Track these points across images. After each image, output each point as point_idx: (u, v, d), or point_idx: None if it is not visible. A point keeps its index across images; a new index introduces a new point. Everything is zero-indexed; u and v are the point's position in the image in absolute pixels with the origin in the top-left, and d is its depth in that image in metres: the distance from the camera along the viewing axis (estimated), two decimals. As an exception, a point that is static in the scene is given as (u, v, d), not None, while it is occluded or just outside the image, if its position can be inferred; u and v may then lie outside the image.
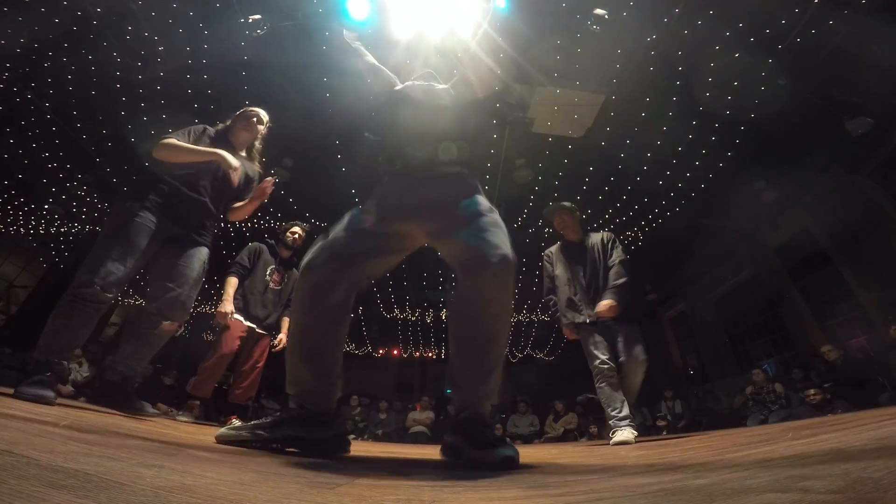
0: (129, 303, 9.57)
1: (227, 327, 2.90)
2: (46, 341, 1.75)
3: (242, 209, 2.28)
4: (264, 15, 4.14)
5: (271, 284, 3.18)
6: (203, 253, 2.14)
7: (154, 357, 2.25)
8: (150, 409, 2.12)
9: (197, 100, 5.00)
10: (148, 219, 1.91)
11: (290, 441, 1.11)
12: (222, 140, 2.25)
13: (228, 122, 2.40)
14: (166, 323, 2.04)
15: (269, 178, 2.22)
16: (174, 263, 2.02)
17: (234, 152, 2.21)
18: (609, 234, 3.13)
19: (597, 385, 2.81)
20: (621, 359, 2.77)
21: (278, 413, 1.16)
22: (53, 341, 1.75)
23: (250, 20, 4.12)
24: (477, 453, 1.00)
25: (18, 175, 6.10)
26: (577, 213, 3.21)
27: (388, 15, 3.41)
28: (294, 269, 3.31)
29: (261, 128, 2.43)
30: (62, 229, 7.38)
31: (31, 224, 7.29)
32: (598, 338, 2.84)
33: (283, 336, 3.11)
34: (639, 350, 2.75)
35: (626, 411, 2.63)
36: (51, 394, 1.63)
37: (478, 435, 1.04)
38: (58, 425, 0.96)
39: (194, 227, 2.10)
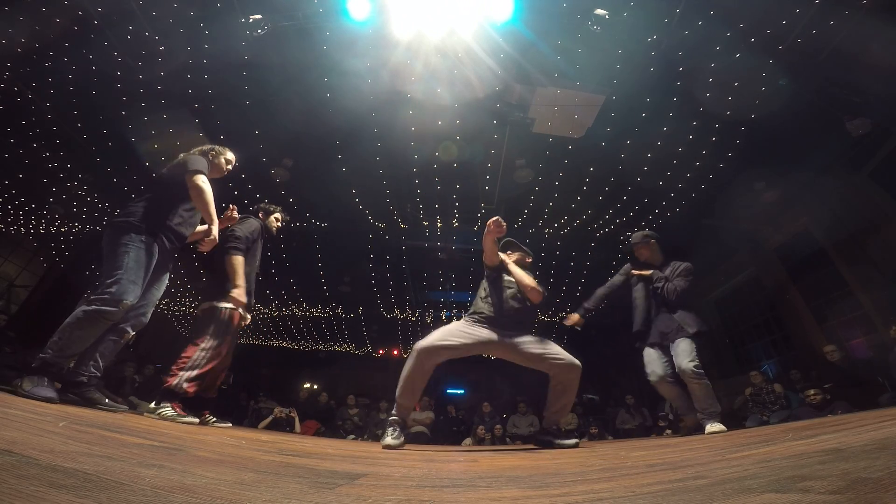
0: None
1: (231, 322, 2.70)
2: (61, 346, 1.91)
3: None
4: (264, 15, 4.14)
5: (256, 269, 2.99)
6: (167, 279, 2.54)
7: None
8: (119, 406, 2.37)
9: (197, 100, 5.00)
10: (157, 253, 2.27)
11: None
12: None
13: (199, 153, 2.63)
14: (131, 334, 2.37)
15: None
16: (149, 287, 2.35)
17: None
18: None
19: None
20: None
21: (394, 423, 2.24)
22: (68, 348, 1.94)
23: (250, 20, 4.12)
24: (560, 442, 2.26)
25: (18, 175, 6.10)
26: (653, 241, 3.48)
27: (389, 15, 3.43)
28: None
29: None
30: (62, 229, 7.38)
31: (32, 224, 7.29)
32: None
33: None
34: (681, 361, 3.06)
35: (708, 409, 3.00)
36: (55, 394, 1.83)
37: (558, 433, 2.39)
38: (57, 425, 0.96)
39: (165, 257, 2.42)
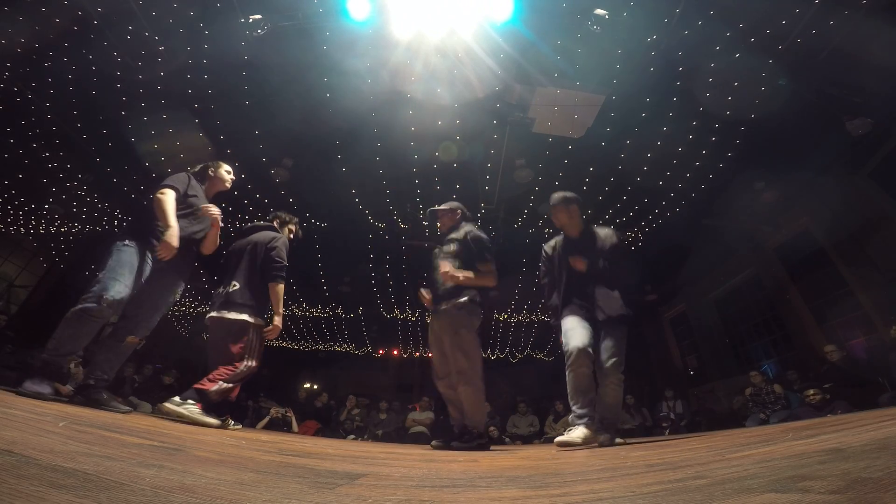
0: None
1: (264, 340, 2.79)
2: (55, 346, 2.07)
3: (210, 241, 2.72)
4: (264, 15, 4.14)
5: None
6: (180, 287, 2.59)
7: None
8: (122, 407, 2.35)
9: (197, 100, 5.00)
10: (151, 258, 2.34)
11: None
12: (198, 188, 2.71)
13: (200, 168, 2.79)
14: (131, 337, 2.39)
15: (211, 208, 2.64)
16: (153, 293, 2.43)
17: (204, 201, 2.70)
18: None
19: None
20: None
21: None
22: (62, 347, 2.08)
23: (250, 20, 4.12)
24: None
25: (18, 175, 6.10)
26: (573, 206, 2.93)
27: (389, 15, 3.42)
28: None
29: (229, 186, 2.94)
30: (62, 229, 7.37)
31: (31, 224, 7.29)
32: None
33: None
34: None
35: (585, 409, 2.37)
36: (49, 390, 1.95)
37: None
38: (57, 425, 0.96)
39: (175, 264, 2.46)
